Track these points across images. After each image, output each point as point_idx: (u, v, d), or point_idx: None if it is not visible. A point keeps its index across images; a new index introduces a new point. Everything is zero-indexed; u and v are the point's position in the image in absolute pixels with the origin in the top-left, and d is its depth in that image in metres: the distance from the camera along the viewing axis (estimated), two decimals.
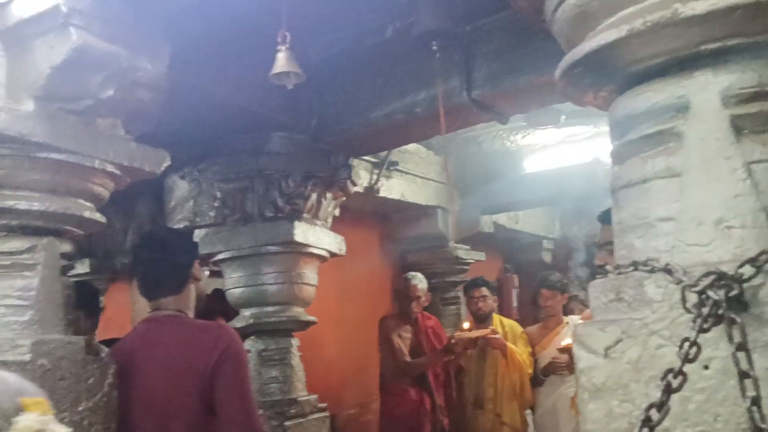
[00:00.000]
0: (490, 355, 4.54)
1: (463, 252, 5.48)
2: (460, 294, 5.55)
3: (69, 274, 2.15)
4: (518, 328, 4.74)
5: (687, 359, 0.82)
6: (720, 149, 1.04)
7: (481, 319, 4.67)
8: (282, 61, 2.18)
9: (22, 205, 1.93)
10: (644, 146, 1.13)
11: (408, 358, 4.57)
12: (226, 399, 2.14)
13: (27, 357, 1.85)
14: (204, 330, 2.25)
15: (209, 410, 2.15)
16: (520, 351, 4.50)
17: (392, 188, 4.72)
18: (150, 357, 2.20)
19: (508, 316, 5.50)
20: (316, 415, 3.34)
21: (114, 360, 2.11)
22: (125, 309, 3.85)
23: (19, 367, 1.82)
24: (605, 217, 2.65)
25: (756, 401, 0.85)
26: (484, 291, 4.72)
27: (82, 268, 3.73)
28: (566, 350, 3.92)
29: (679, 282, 0.95)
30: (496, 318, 4.78)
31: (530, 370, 4.47)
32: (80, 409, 1.96)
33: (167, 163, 2.28)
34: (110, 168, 2.08)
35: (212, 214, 3.33)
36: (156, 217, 3.70)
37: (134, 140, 2.20)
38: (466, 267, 5.61)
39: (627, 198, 1.16)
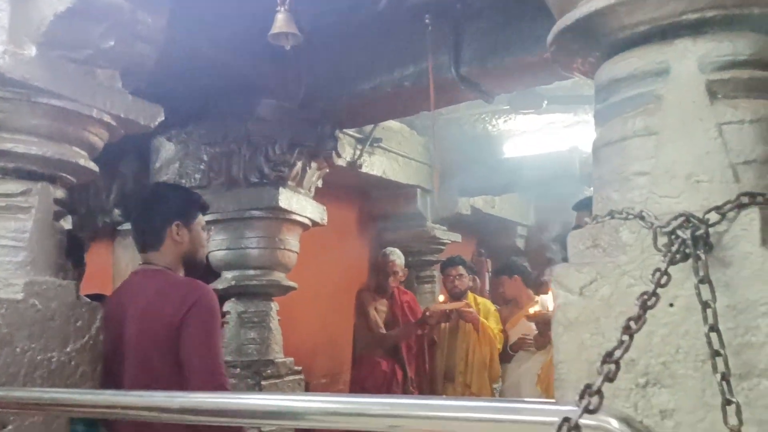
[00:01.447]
0: (462, 329, 4.67)
1: (441, 232, 5.59)
2: (436, 273, 5.68)
3: None
4: (491, 306, 4.88)
5: (659, 285, 0.92)
6: (695, 111, 1.13)
7: (456, 297, 4.80)
8: (280, 22, 2.23)
9: (20, 149, 1.96)
10: (626, 108, 1.23)
11: (383, 330, 4.67)
12: (191, 352, 2.18)
13: (20, 296, 1.90)
14: (177, 285, 2.31)
15: (177, 363, 2.20)
16: (491, 326, 4.64)
17: (374, 165, 4.79)
18: (132, 308, 2.27)
19: None
20: (291, 377, 3.42)
21: (103, 307, 2.17)
22: (106, 266, 3.88)
23: (11, 305, 1.88)
24: (580, 206, 2.79)
25: (714, 328, 0.95)
26: (461, 270, 4.85)
27: (66, 224, 3.73)
28: (534, 317, 4.03)
29: (652, 225, 1.04)
30: (471, 296, 4.91)
31: (500, 346, 4.62)
32: (68, 349, 2.02)
33: (161, 118, 2.32)
34: (107, 118, 2.12)
35: (198, 176, 3.38)
36: (140, 177, 3.73)
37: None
38: (442, 247, 5.72)
39: (607, 155, 1.25)
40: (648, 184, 1.15)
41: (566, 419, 0.76)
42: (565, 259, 1.34)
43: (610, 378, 0.83)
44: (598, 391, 0.78)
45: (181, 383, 2.21)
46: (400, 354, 4.66)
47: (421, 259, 5.66)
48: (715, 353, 0.93)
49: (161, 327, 2.21)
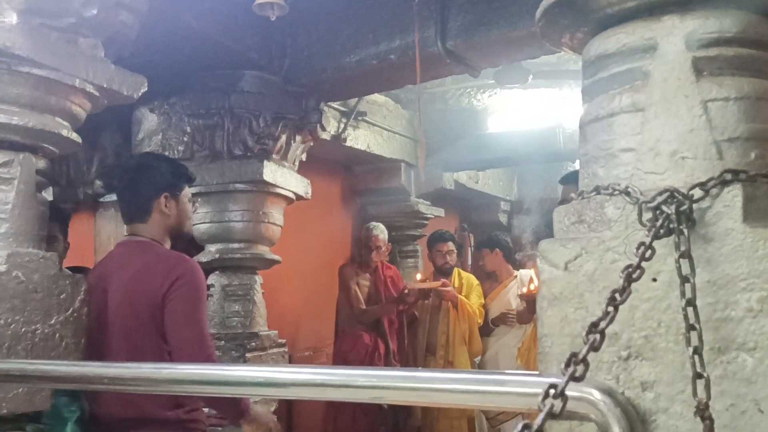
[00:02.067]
0: (443, 305, 4.72)
1: (424, 207, 5.61)
2: (419, 247, 5.70)
3: None
4: (474, 281, 4.93)
5: (643, 258, 0.93)
6: (681, 87, 1.14)
7: (445, 273, 4.83)
8: None
9: (1, 119, 1.93)
10: (613, 84, 1.23)
11: (363, 306, 4.70)
12: (178, 325, 2.19)
13: (2, 267, 1.88)
14: (163, 258, 2.30)
15: (160, 335, 2.21)
16: (472, 302, 4.70)
17: (359, 139, 4.78)
18: (117, 279, 2.27)
19: None
20: (275, 350, 3.44)
21: (86, 279, 2.16)
22: (88, 238, 3.85)
23: None
24: (567, 180, 2.81)
25: (690, 302, 0.97)
26: (451, 246, 4.89)
27: (47, 195, 3.70)
28: (526, 297, 4.07)
29: (637, 201, 1.05)
30: (456, 271, 4.94)
31: (480, 320, 4.67)
32: (52, 322, 2.01)
33: (144, 88, 2.30)
34: (90, 88, 2.09)
35: (181, 148, 3.35)
36: (121, 149, 3.70)
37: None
38: (425, 222, 5.74)
39: (593, 131, 1.26)
40: (633, 160, 1.16)
41: (552, 385, 0.78)
42: (548, 235, 1.35)
43: (595, 347, 0.84)
44: (584, 360, 0.80)
45: (163, 356, 2.22)
46: (382, 328, 4.70)
47: (404, 234, 5.68)
48: (690, 327, 0.95)
49: (146, 299, 2.21)
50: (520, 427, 0.71)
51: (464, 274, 5.04)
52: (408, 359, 4.82)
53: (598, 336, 0.85)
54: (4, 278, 1.88)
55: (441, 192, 5.80)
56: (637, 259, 0.98)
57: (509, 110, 5.48)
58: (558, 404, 0.77)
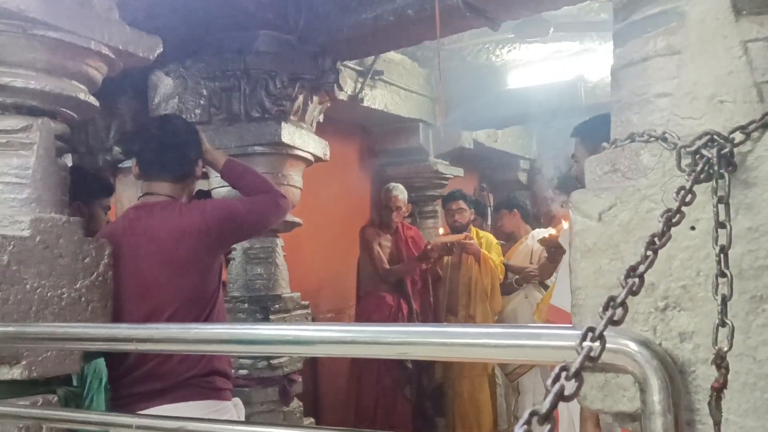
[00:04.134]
0: (464, 262, 4.71)
1: (443, 167, 5.56)
2: (438, 208, 5.68)
3: None
4: (493, 239, 4.92)
5: (683, 203, 0.90)
6: (719, 28, 1.09)
7: (457, 231, 4.82)
8: None
9: (18, 83, 1.92)
10: (647, 27, 1.18)
11: (387, 266, 4.71)
12: (239, 216, 2.34)
13: (27, 233, 1.89)
14: (191, 206, 2.33)
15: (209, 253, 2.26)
16: (493, 258, 4.68)
17: (376, 98, 4.72)
18: (139, 245, 2.24)
19: None
20: (299, 312, 3.45)
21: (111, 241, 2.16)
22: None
23: (19, 242, 1.87)
24: (577, 132, 2.75)
25: (723, 249, 0.93)
26: (462, 204, 4.85)
27: (67, 161, 3.72)
28: (547, 242, 4.04)
29: (675, 146, 1.02)
30: (473, 230, 4.92)
31: (501, 276, 4.68)
32: (77, 286, 2.02)
33: (159, 50, 2.27)
34: (105, 50, 2.07)
35: (198, 111, 3.32)
36: (138, 115, 3.68)
37: None
38: (444, 182, 5.70)
39: (627, 77, 1.21)
40: (670, 105, 1.12)
41: (590, 329, 0.76)
42: (568, 190, 1.31)
43: (633, 291, 0.82)
44: (622, 304, 0.77)
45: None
46: (405, 288, 4.70)
47: (423, 194, 5.64)
48: (721, 274, 0.92)
49: (187, 256, 2.23)
50: (557, 369, 0.69)
51: (482, 233, 5.03)
52: (431, 319, 4.83)
53: (636, 280, 0.82)
54: (28, 243, 1.89)
55: (460, 151, 5.74)
56: (675, 205, 0.95)
57: (529, 65, 5.37)
58: (596, 347, 0.75)
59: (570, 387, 0.68)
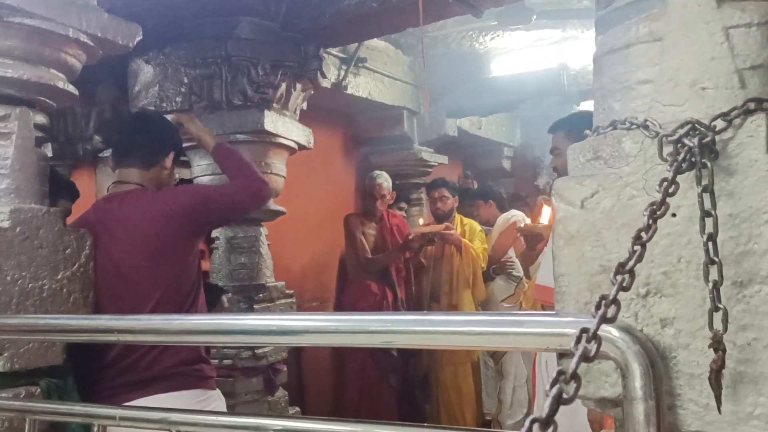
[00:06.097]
0: (446, 251, 4.72)
1: (427, 154, 5.55)
2: (423, 195, 5.68)
3: None
4: (477, 226, 4.93)
5: (667, 194, 0.90)
6: (701, 14, 1.09)
7: (440, 219, 4.83)
8: None
9: None
10: (629, 13, 1.18)
11: (369, 255, 4.71)
12: (212, 199, 2.39)
13: (6, 224, 1.87)
14: (162, 192, 2.35)
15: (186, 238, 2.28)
16: (475, 246, 4.70)
17: (359, 86, 4.70)
18: (113, 233, 2.23)
19: None
20: (283, 301, 3.45)
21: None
22: (89, 194, 3.81)
23: None
24: (554, 128, 2.83)
25: (711, 237, 0.94)
26: (444, 192, 4.86)
27: (47, 151, 3.67)
28: (524, 231, 4.06)
29: (657, 134, 1.02)
30: (457, 217, 4.93)
31: (484, 265, 4.70)
32: (59, 277, 2.01)
33: (139, 37, 2.23)
34: (84, 38, 2.03)
35: (179, 99, 3.28)
36: (118, 103, 3.64)
37: None
38: (429, 170, 5.70)
39: (608, 64, 1.21)
40: (651, 92, 1.12)
41: (584, 329, 0.76)
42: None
43: (624, 287, 0.82)
44: (615, 300, 0.77)
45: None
46: (390, 276, 4.71)
47: (408, 182, 5.64)
48: (710, 261, 0.93)
49: (163, 230, 2.24)
50: (554, 374, 0.69)
51: (466, 220, 5.04)
52: (412, 308, 4.85)
53: (627, 276, 0.82)
54: (8, 234, 1.87)
55: (444, 139, 5.73)
56: (657, 195, 0.95)
57: (512, 53, 5.37)
58: (592, 347, 0.75)
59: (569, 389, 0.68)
